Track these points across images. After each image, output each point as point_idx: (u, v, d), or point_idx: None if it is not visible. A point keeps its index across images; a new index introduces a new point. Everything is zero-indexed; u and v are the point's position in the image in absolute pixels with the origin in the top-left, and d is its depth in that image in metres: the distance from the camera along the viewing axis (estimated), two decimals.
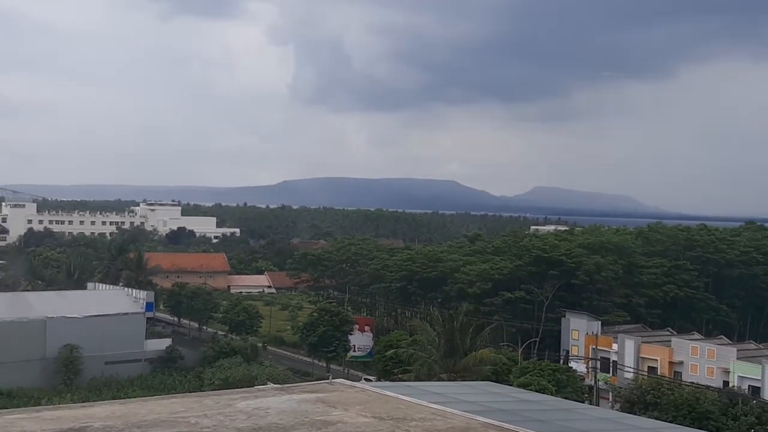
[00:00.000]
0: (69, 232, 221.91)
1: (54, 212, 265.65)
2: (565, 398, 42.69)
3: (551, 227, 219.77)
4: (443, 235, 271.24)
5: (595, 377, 73.32)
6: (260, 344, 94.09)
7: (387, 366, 73.44)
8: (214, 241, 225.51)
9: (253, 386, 27.69)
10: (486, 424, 12.16)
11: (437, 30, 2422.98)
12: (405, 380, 51.84)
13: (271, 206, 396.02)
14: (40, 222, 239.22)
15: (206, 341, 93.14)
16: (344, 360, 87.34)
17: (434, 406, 13.07)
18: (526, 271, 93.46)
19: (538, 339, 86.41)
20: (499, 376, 60.04)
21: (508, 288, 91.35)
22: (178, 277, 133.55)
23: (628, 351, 75.55)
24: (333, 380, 15.25)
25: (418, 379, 54.57)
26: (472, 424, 12.04)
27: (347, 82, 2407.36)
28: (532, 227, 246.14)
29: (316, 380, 23.22)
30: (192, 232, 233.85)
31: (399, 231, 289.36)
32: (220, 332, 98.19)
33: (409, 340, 74.23)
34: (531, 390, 43.21)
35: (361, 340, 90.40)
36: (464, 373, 56.19)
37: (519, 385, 51.68)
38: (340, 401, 12.99)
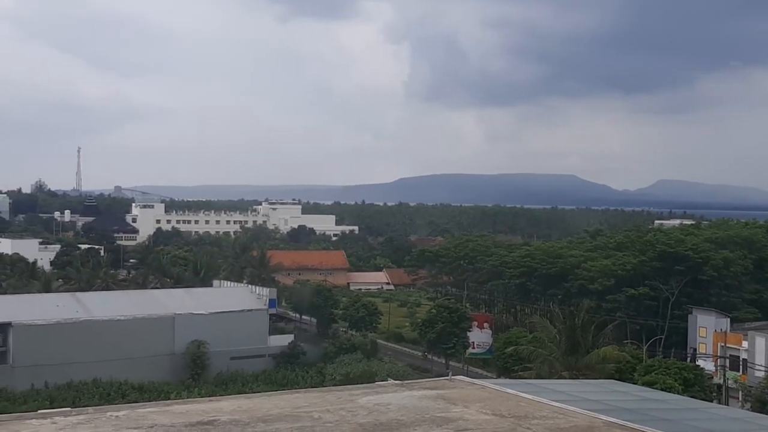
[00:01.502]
0: (195, 232, 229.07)
1: (181, 212, 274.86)
2: (692, 397, 41.36)
3: (676, 221, 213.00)
4: (563, 230, 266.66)
5: (724, 376, 70.77)
6: (379, 340, 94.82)
7: (506, 363, 72.81)
8: (334, 238, 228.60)
9: (373, 382, 27.91)
10: (610, 423, 11.90)
11: (552, 22, 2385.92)
12: (525, 378, 51.30)
13: (389, 204, 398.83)
14: (168, 222, 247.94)
15: (327, 337, 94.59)
16: (463, 357, 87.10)
17: (556, 404, 12.86)
18: (651, 266, 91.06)
19: (663, 336, 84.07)
20: (623, 374, 58.60)
21: (631, 284, 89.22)
22: (299, 274, 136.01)
23: (759, 349, 72.51)
24: (453, 377, 15.21)
25: (538, 376, 53.89)
26: (596, 423, 11.80)
27: (462, 77, 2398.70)
28: (656, 222, 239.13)
29: (436, 377, 23.20)
30: (312, 230, 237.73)
31: (517, 227, 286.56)
32: (340, 328, 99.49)
33: (529, 337, 73.42)
34: (656, 389, 42.05)
35: (479, 337, 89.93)
36: (586, 371, 55.14)
37: (644, 384, 50.31)
38: (460, 398, 12.95)
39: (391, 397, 12.78)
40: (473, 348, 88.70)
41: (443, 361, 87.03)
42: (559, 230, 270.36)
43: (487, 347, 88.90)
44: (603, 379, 40.04)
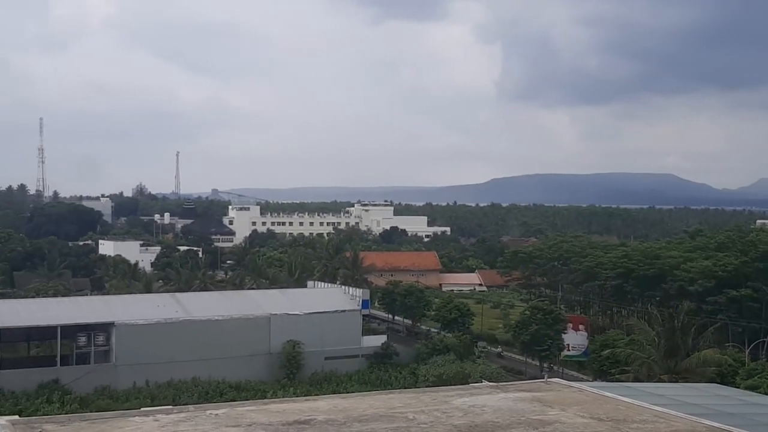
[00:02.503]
0: (289, 233, 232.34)
1: (276, 214, 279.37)
2: None
3: None
4: (661, 230, 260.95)
5: None
6: (473, 342, 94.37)
7: (603, 366, 71.54)
8: (426, 239, 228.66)
9: (467, 383, 27.77)
10: (712, 427, 11.55)
11: (647, 18, 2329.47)
12: (623, 381, 50.34)
13: (481, 204, 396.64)
14: (263, 224, 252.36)
15: (420, 338, 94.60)
16: (558, 359, 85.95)
17: (656, 408, 12.55)
18: (753, 267, 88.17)
19: (766, 339, 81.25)
20: (724, 378, 56.88)
21: (733, 285, 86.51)
22: (392, 275, 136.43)
23: None
24: (549, 379, 15.02)
25: (636, 380, 52.85)
26: (698, 428, 11.48)
27: (556, 76, 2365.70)
28: (759, 221, 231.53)
29: (531, 379, 22.96)
30: (404, 231, 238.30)
31: (613, 227, 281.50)
32: (433, 329, 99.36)
33: (626, 339, 72.01)
34: (759, 393, 40.69)
35: (575, 339, 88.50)
36: (686, 374, 53.77)
37: (746, 388, 48.73)
38: (556, 401, 12.76)
39: (486, 399, 12.69)
40: (568, 350, 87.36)
41: (537, 363, 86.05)
42: (656, 231, 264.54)
43: (583, 349, 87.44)
44: (703, 383, 38.99)
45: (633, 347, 63.22)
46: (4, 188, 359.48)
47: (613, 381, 53.66)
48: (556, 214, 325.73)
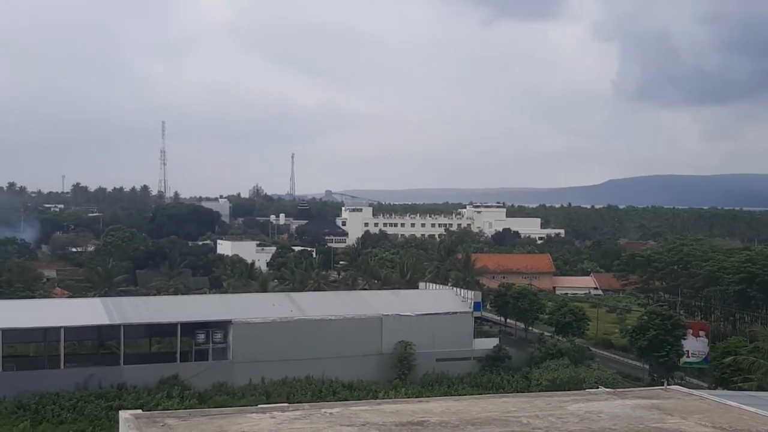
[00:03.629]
0: (401, 234, 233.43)
1: (387, 216, 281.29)
2: None
3: None
4: None
5: None
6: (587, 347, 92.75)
7: (724, 374, 69.06)
8: (539, 242, 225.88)
9: (581, 389, 27.27)
10: None
11: None
12: (746, 389, 48.49)
13: (597, 206, 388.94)
14: (376, 225, 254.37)
15: (533, 342, 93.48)
16: (677, 366, 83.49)
17: None
18: None
19: None
20: None
21: None
22: (504, 277, 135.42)
23: None
24: (668, 386, 14.58)
25: (760, 388, 50.82)
26: None
27: (675, 75, 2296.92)
28: None
29: (649, 386, 22.37)
30: (517, 233, 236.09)
31: (736, 230, 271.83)
32: (546, 333, 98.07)
33: (750, 346, 69.35)
34: None
35: (695, 346, 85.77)
36: None
37: None
38: (676, 409, 12.38)
39: (603, 405, 12.41)
40: (687, 357, 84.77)
41: (647, 368, 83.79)
42: None
43: (703, 356, 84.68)
44: None
45: (757, 355, 60.86)
46: (128, 189, 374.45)
47: (735, 389, 51.77)
48: (675, 217, 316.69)
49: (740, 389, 50.57)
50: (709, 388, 60.18)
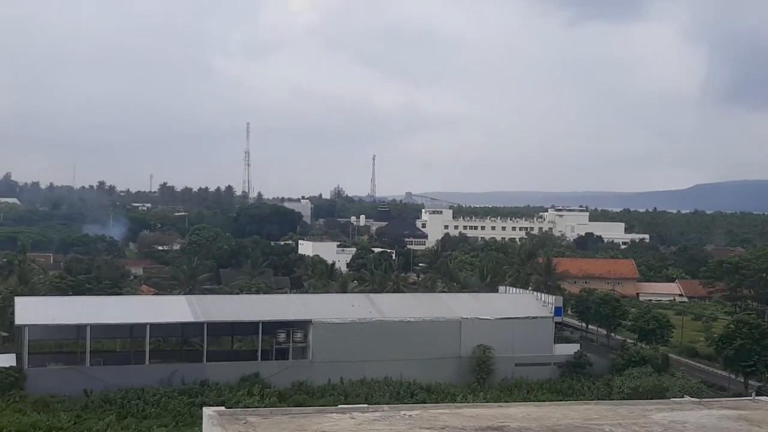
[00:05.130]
0: (481, 237, 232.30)
1: (467, 218, 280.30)
2: None
3: None
4: None
5: None
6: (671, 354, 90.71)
7: None
8: (622, 247, 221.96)
9: (665, 398, 26.73)
10: None
11: None
12: None
13: (683, 211, 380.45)
14: (455, 227, 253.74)
15: (615, 349, 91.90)
16: (765, 376, 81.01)
17: None
18: None
19: None
20: None
21: None
22: (586, 282, 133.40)
23: None
24: (756, 398, 14.17)
25: None
26: None
27: (766, 77, 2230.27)
28: None
29: (736, 396, 21.78)
30: (599, 238, 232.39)
31: None
32: (629, 340, 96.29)
33: None
34: None
35: None
36: None
37: None
38: (764, 420, 12.02)
39: (688, 415, 12.13)
40: None
41: (742, 380, 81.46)
42: None
43: None
44: None
45: None
46: (213, 189, 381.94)
47: None
48: (765, 223, 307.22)
49: None
50: None
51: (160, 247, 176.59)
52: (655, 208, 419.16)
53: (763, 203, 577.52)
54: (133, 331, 75.41)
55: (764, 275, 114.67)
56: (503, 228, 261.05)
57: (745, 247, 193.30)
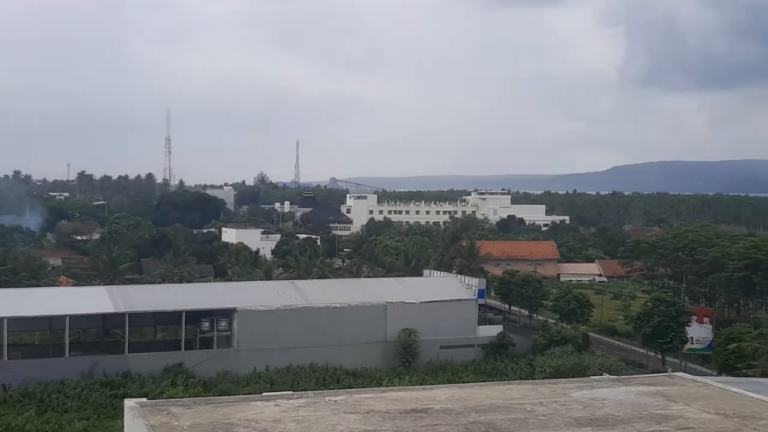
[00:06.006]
0: (406, 222, 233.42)
1: (392, 203, 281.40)
2: None
3: None
4: None
5: None
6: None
7: (728, 360, 69.15)
8: (544, 228, 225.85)
9: (585, 376, 27.31)
10: None
11: None
12: (750, 376, 48.55)
13: (602, 193, 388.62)
14: (380, 212, 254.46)
15: (537, 329, 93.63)
16: (681, 352, 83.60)
17: None
18: None
19: None
20: None
21: None
22: (508, 264, 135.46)
23: None
24: (672, 373, 14.59)
25: (764, 375, 50.87)
26: None
27: (681, 60, 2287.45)
28: None
29: (653, 373, 22.39)
30: (521, 220, 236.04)
31: (741, 217, 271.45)
32: (550, 320, 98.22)
33: (754, 333, 69.43)
34: None
35: (699, 332, 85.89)
36: None
37: None
38: (680, 395, 12.40)
39: (607, 392, 12.43)
40: (692, 343, 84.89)
41: (659, 356, 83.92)
42: None
43: (707, 343, 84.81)
44: None
45: (761, 341, 60.96)
46: (133, 177, 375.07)
47: (739, 376, 51.83)
48: (681, 203, 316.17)
49: (744, 375, 50.63)
50: (714, 375, 60.27)
51: (79, 237, 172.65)
52: (575, 190, 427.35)
53: (679, 183, 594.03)
54: (52, 323, 73.66)
55: (680, 254, 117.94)
56: (427, 212, 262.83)
57: (662, 226, 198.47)
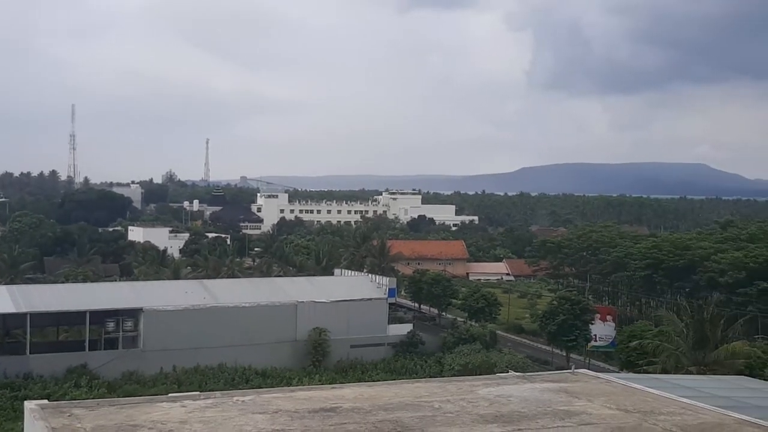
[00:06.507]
0: (317, 221, 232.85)
1: (303, 202, 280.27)
2: None
3: None
4: (691, 221, 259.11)
5: None
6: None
7: (630, 357, 71.07)
8: (453, 228, 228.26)
9: (492, 373, 27.71)
10: (741, 420, 11.41)
11: (681, 7, 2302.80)
12: (650, 372, 50.03)
13: (510, 193, 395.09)
14: (291, 211, 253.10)
15: (446, 327, 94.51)
16: (585, 350, 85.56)
17: (684, 400, 12.44)
18: None
19: None
20: (753, 370, 56.23)
21: (764, 277, 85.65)
22: (419, 263, 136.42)
23: None
24: (576, 370, 14.91)
25: (664, 371, 52.47)
26: (726, 421, 11.34)
27: (586, 65, 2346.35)
28: None
29: (558, 370, 22.84)
30: (432, 220, 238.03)
31: (643, 217, 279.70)
32: (459, 318, 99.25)
33: (655, 331, 71.44)
34: None
35: (602, 330, 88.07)
36: (715, 366, 53.29)
37: None
38: (583, 392, 12.67)
39: (513, 389, 12.62)
40: (595, 341, 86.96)
41: (564, 354, 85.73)
42: (687, 221, 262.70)
43: (610, 340, 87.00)
44: (732, 375, 38.63)
45: (661, 339, 62.71)
46: (36, 174, 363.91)
47: (640, 372, 53.33)
48: (585, 204, 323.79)
49: (645, 372, 52.17)
50: (616, 372, 61.89)
51: None
52: (484, 191, 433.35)
53: (584, 185, 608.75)
54: None
55: (584, 254, 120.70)
56: (339, 211, 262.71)
57: (567, 227, 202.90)
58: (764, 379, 45.57)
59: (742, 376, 32.18)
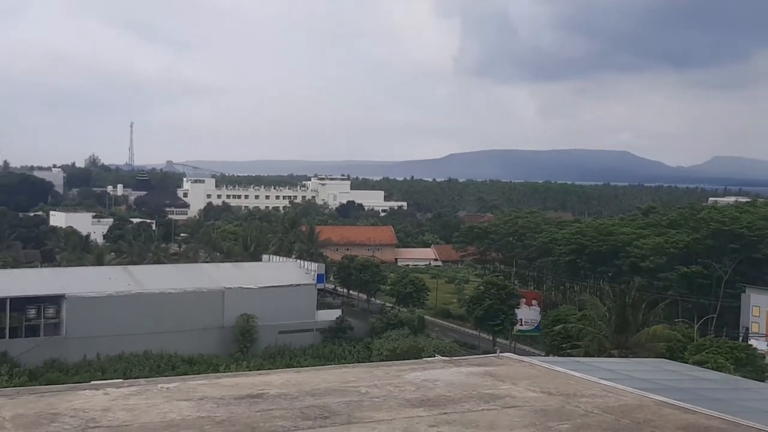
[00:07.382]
0: (245, 206, 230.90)
1: (231, 187, 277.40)
2: (743, 377, 40.75)
3: (731, 199, 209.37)
4: (615, 207, 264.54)
5: None
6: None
7: (555, 341, 72.47)
8: (382, 214, 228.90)
9: (420, 358, 27.93)
10: (660, 402, 11.72)
11: None
12: (574, 356, 51.00)
13: (438, 179, 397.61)
14: (219, 196, 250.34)
15: (375, 312, 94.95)
16: (510, 334, 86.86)
17: (605, 382, 12.72)
18: (704, 244, 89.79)
19: (715, 315, 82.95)
20: (674, 353, 57.93)
21: (684, 262, 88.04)
22: (348, 249, 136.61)
23: None
24: (501, 354, 15.12)
25: (587, 354, 53.56)
26: (645, 402, 11.64)
27: (513, 52, 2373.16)
28: (711, 199, 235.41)
29: (484, 354, 23.11)
30: (361, 206, 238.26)
31: (568, 204, 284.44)
32: (388, 304, 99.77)
33: (578, 315, 72.91)
34: (707, 368, 41.51)
35: (528, 314, 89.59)
36: (636, 349, 54.68)
37: (694, 363, 49.63)
38: (508, 375, 12.86)
39: (439, 374, 12.73)
40: (521, 325, 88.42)
41: (490, 338, 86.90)
42: (610, 207, 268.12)
43: (535, 324, 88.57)
44: (653, 358, 39.64)
45: (584, 322, 64.06)
46: None
47: (564, 356, 54.31)
48: (512, 190, 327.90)
49: (569, 355, 53.15)
50: (541, 355, 62.98)
51: None
52: (412, 177, 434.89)
53: (511, 171, 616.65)
54: None
55: (511, 239, 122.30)
56: (267, 197, 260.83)
57: (494, 212, 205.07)
58: (684, 362, 46.92)
59: (663, 359, 33.08)
